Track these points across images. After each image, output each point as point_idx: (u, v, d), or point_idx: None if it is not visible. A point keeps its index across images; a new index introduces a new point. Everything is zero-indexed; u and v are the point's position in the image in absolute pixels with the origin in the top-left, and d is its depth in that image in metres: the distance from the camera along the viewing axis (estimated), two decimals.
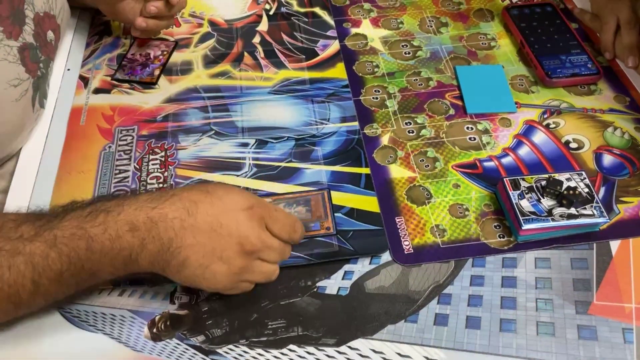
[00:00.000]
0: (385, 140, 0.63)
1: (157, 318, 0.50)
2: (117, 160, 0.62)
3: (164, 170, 0.61)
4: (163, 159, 0.62)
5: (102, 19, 0.77)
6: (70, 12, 0.72)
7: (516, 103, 0.66)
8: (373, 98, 0.68)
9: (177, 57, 0.73)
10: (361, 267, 0.53)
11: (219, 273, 0.45)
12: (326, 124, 0.65)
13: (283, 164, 0.62)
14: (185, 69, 0.72)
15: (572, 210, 0.53)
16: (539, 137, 0.63)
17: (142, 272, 0.46)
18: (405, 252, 0.54)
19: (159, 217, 0.44)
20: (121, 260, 0.44)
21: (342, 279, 0.53)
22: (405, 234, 0.55)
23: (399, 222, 0.56)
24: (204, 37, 0.76)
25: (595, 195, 0.54)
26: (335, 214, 0.56)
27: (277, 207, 0.52)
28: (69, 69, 0.72)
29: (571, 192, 0.54)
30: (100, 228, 0.43)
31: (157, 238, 0.44)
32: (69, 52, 0.74)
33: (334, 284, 0.52)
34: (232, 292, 0.48)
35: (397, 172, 0.60)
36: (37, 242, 0.43)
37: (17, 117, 0.59)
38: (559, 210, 0.53)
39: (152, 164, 0.61)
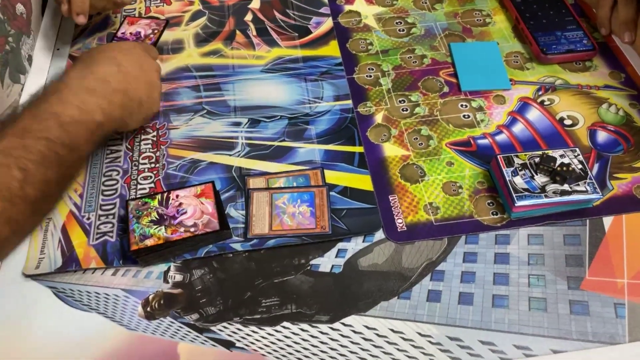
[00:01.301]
0: (379, 118, 0.63)
1: (150, 297, 0.50)
2: (109, 140, 0.61)
3: (156, 150, 0.60)
4: (155, 139, 0.61)
5: None
6: None
7: (511, 80, 0.66)
8: (367, 76, 0.67)
9: (168, 35, 0.72)
10: (354, 245, 0.54)
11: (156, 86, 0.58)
12: (319, 103, 0.65)
13: (276, 143, 0.61)
14: (177, 47, 0.71)
15: (566, 187, 0.53)
16: (534, 114, 0.62)
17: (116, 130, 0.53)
18: (399, 230, 0.54)
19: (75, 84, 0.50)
20: (96, 121, 0.48)
21: (336, 256, 0.53)
22: (399, 212, 0.55)
23: (392, 200, 0.56)
24: (195, 15, 0.75)
25: (589, 172, 0.53)
26: (331, 193, 0.56)
27: None
28: (58, 49, 0.71)
29: (564, 168, 0.53)
30: (60, 104, 0.47)
31: (117, 87, 0.52)
32: (58, 31, 0.73)
33: (327, 261, 0.52)
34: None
35: (391, 150, 0.60)
36: (8, 138, 0.44)
37: None
38: (552, 187, 0.53)
39: (144, 144, 0.61)
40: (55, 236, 0.54)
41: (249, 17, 0.74)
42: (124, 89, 0.52)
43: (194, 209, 0.52)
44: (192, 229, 0.51)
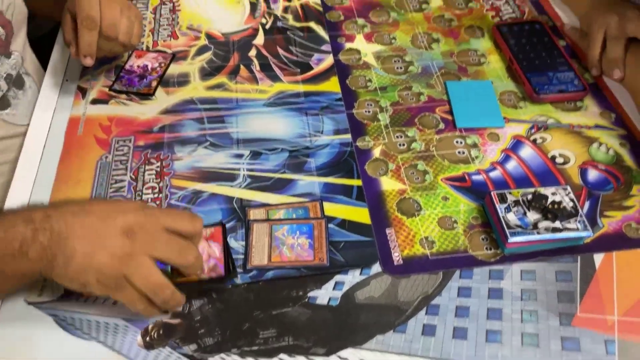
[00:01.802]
0: (377, 152, 0.65)
1: (150, 327, 0.51)
2: (114, 170, 0.63)
3: (159, 180, 0.62)
4: (159, 170, 0.63)
5: None
6: (26, 10, 0.72)
7: (504, 118, 0.68)
8: (365, 111, 0.69)
9: (175, 69, 0.74)
10: (352, 277, 0.55)
11: (104, 264, 0.45)
12: (319, 136, 0.67)
13: (277, 175, 0.63)
14: (182, 80, 0.73)
15: (557, 224, 0.54)
16: (526, 151, 0.64)
17: (31, 275, 0.47)
18: (395, 264, 0.55)
19: (54, 212, 0.47)
20: (11, 251, 0.44)
21: (333, 289, 0.54)
22: (395, 246, 0.56)
23: (389, 233, 0.57)
24: (201, 50, 0.77)
25: (580, 210, 0.55)
26: (329, 225, 0.58)
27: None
28: (67, 80, 0.73)
29: (556, 206, 0.55)
30: None
31: (49, 228, 0.45)
32: (68, 63, 0.75)
33: (324, 294, 0.54)
34: (117, 293, 0.47)
35: (388, 184, 0.62)
36: None
37: None
38: (544, 224, 0.54)
39: (148, 174, 0.62)
40: None
41: (253, 52, 0.77)
42: (57, 237, 0.46)
43: (201, 251, 0.53)
44: (197, 271, 0.52)
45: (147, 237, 0.47)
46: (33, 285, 0.53)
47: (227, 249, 0.55)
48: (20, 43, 0.72)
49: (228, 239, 0.57)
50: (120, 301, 0.48)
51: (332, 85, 0.73)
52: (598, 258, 0.55)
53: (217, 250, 0.54)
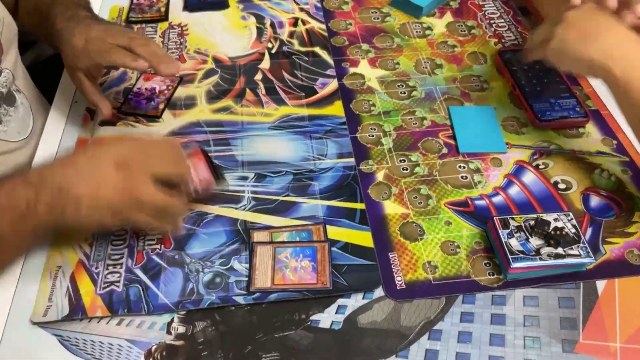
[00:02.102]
0: (380, 176, 0.65)
1: (153, 348, 0.51)
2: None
3: None
4: None
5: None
6: (16, 28, 0.73)
7: (507, 143, 0.69)
8: (369, 135, 0.70)
9: (182, 92, 0.76)
10: (354, 301, 0.55)
11: (111, 200, 0.49)
12: (323, 160, 0.68)
13: (281, 198, 0.63)
14: (189, 103, 0.74)
15: (560, 250, 0.54)
16: (529, 177, 0.65)
17: (44, 227, 0.50)
18: (398, 288, 0.55)
19: (47, 170, 0.51)
20: (19, 212, 0.48)
21: (336, 313, 0.54)
22: (398, 270, 0.57)
23: (392, 257, 0.58)
24: (208, 73, 0.79)
25: (582, 236, 0.55)
26: (332, 248, 0.58)
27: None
28: (76, 102, 0.75)
29: (558, 232, 0.55)
30: None
31: (48, 187, 0.49)
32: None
33: (327, 317, 0.54)
34: (131, 219, 0.51)
35: (391, 208, 0.62)
36: None
37: None
38: (546, 250, 0.55)
39: None
40: (63, 284, 0.55)
41: (258, 76, 0.79)
42: (56, 187, 0.49)
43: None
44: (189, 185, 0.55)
45: (140, 161, 0.51)
46: (38, 306, 0.54)
47: (210, 162, 0.58)
48: (11, 60, 0.73)
49: (232, 261, 0.57)
50: (137, 223, 0.53)
51: (337, 109, 0.74)
52: (600, 285, 0.55)
53: (201, 165, 0.57)
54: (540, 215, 0.57)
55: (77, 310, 0.53)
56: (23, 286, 0.56)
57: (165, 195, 0.51)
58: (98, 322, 0.53)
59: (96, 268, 0.57)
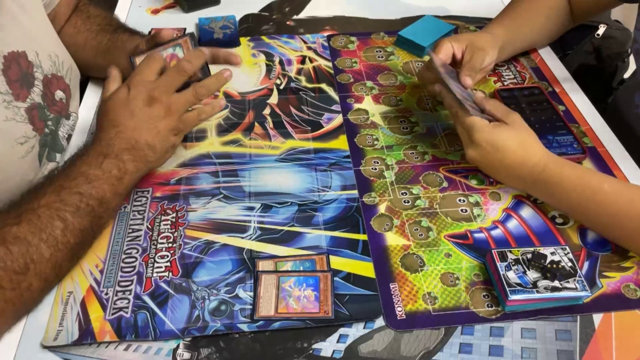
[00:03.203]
0: (382, 208, 0.68)
1: None
2: (131, 220, 0.66)
3: (174, 230, 0.65)
4: (174, 220, 0.66)
5: None
6: (79, 74, 0.79)
7: None
8: (372, 169, 0.73)
9: None
10: (355, 331, 0.56)
11: (168, 127, 0.64)
12: (327, 192, 0.70)
13: (286, 228, 0.66)
14: (200, 136, 0.77)
15: (556, 283, 0.56)
16: (527, 211, 0.67)
17: (136, 180, 0.64)
18: (398, 318, 0.57)
19: (111, 139, 0.62)
20: (116, 176, 0.61)
21: (337, 342, 0.55)
22: (399, 300, 0.58)
23: (393, 288, 0.59)
24: None
25: (578, 270, 0.57)
26: (335, 278, 0.60)
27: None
28: (92, 133, 0.78)
29: (555, 265, 0.57)
30: (84, 165, 0.59)
31: (124, 148, 0.62)
32: (94, 115, 0.80)
33: (329, 346, 0.55)
34: (188, 126, 0.67)
35: (393, 239, 0.64)
36: (48, 195, 0.56)
37: (23, 172, 0.64)
38: (543, 283, 0.56)
39: (164, 224, 0.66)
40: (74, 309, 0.57)
41: (267, 111, 0.82)
42: (127, 146, 0.62)
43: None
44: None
45: (158, 89, 0.64)
46: (49, 330, 0.55)
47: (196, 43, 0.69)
48: (76, 105, 0.79)
49: (237, 289, 0.59)
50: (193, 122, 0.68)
51: (341, 143, 0.77)
52: (597, 318, 0.56)
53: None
54: (538, 248, 0.59)
55: (86, 335, 0.55)
56: (35, 311, 0.57)
57: (189, 93, 0.65)
58: (106, 346, 0.55)
59: (106, 294, 0.59)
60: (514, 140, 0.64)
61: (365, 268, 0.61)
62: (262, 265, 0.62)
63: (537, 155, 0.64)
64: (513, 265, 0.58)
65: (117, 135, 0.62)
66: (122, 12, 1.02)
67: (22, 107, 0.64)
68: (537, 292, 0.55)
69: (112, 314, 0.57)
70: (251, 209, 0.68)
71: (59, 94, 0.72)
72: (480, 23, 0.99)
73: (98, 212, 0.59)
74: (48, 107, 0.69)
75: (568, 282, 0.56)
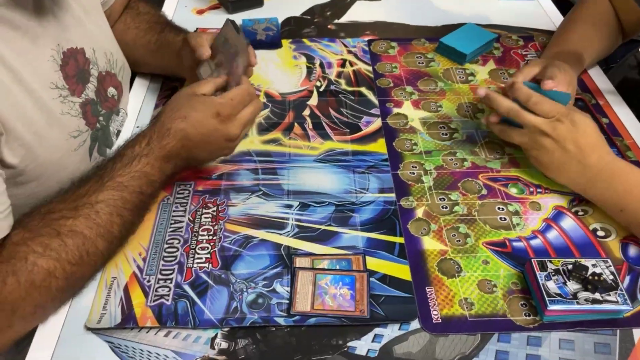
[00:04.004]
0: (419, 213, 0.68)
1: None
2: (174, 211, 0.68)
3: (214, 224, 0.66)
4: (215, 214, 0.68)
5: (171, 84, 0.87)
6: (130, 71, 0.82)
7: (546, 188, 0.70)
8: (410, 173, 0.73)
9: None
10: (390, 331, 0.56)
11: (227, 151, 0.68)
12: (365, 194, 0.70)
13: (323, 227, 0.66)
14: None
15: (597, 296, 0.55)
16: (568, 223, 0.66)
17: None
18: (434, 322, 0.57)
19: (175, 149, 0.64)
20: (168, 176, 0.64)
21: (372, 341, 0.56)
22: (435, 304, 0.58)
23: (429, 291, 0.59)
24: None
25: (620, 283, 0.56)
26: (370, 279, 0.60)
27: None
28: (137, 127, 0.80)
29: (596, 277, 0.56)
30: (148, 166, 0.61)
31: (182, 157, 0.65)
32: (139, 112, 0.83)
33: (364, 345, 0.55)
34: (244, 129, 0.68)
35: (430, 244, 0.64)
36: (108, 190, 0.58)
37: (75, 165, 0.66)
38: (583, 295, 0.55)
39: (205, 217, 0.67)
40: (117, 294, 0.59)
41: (307, 112, 0.83)
42: (187, 158, 0.65)
43: None
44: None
45: (229, 109, 0.65)
46: (93, 313, 0.57)
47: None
48: (125, 101, 0.81)
49: (274, 283, 0.60)
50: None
51: (379, 146, 0.77)
52: (637, 333, 0.55)
53: None
54: (579, 260, 0.58)
55: (128, 320, 0.57)
56: (80, 294, 0.59)
57: (240, 123, 0.66)
58: (147, 332, 0.56)
59: (148, 281, 0.60)
60: (592, 127, 0.65)
61: (401, 270, 0.62)
62: (299, 262, 0.63)
63: (607, 147, 0.65)
64: (553, 276, 0.57)
65: (183, 147, 0.63)
66: (168, 11, 1.05)
67: (77, 102, 0.66)
68: (577, 303, 0.55)
69: (154, 301, 0.58)
70: (289, 206, 0.69)
71: (111, 91, 0.75)
72: (523, 33, 0.99)
73: (148, 206, 0.63)
74: (100, 103, 0.72)
75: (609, 295, 0.55)
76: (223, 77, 0.69)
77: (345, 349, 0.55)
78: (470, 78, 0.89)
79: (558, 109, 0.66)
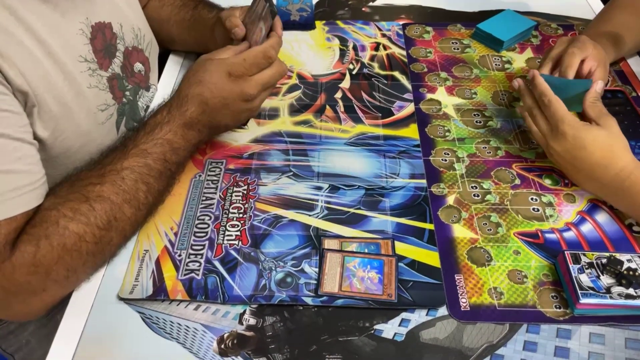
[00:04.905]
0: (450, 200, 0.67)
1: (225, 335, 0.55)
2: (205, 188, 0.68)
3: (245, 202, 0.67)
4: (245, 192, 0.68)
5: None
6: (158, 48, 0.82)
7: None
8: (442, 159, 0.72)
9: (266, 103, 0.80)
10: (418, 317, 0.56)
11: (247, 114, 0.67)
12: (395, 179, 0.70)
13: (352, 210, 0.66)
14: (273, 114, 0.79)
15: (631, 291, 0.54)
16: (603, 216, 0.65)
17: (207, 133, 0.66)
18: (462, 309, 0.57)
19: (197, 116, 0.63)
20: (194, 144, 0.64)
21: (399, 325, 0.56)
22: (463, 292, 0.58)
23: (458, 279, 0.59)
24: (292, 88, 0.84)
25: None
26: (399, 264, 0.60)
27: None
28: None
29: (631, 272, 0.55)
30: (170, 134, 0.62)
31: (204, 124, 0.64)
32: (173, 89, 0.83)
33: (390, 328, 0.56)
34: (266, 93, 0.67)
35: (460, 231, 0.64)
36: (132, 157, 0.59)
37: (102, 138, 0.67)
38: (617, 289, 0.54)
39: (235, 195, 0.68)
40: (149, 267, 0.60)
41: (338, 94, 0.83)
42: (210, 125, 0.65)
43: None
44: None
45: (240, 69, 0.63)
46: (125, 283, 0.59)
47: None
48: (155, 77, 0.82)
49: (303, 264, 0.61)
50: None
51: (411, 131, 0.76)
52: None
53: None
54: (614, 254, 0.57)
55: (159, 292, 0.58)
56: (113, 265, 0.61)
57: (255, 82, 0.64)
58: (177, 304, 0.57)
59: (179, 255, 0.61)
60: (602, 142, 0.62)
61: (430, 257, 0.61)
62: (328, 243, 0.63)
63: (624, 160, 0.61)
64: (586, 269, 0.56)
65: (203, 113, 0.63)
66: None
67: (105, 76, 0.67)
68: (610, 297, 0.54)
69: (184, 275, 0.59)
70: (319, 188, 0.69)
71: (138, 66, 0.76)
72: (562, 21, 0.96)
73: (176, 175, 0.64)
74: (127, 77, 0.72)
75: None
76: (245, 43, 0.68)
77: (372, 332, 0.55)
78: (506, 66, 0.87)
79: (556, 122, 0.63)
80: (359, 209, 0.67)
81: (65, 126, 0.61)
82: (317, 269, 0.60)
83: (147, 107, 0.79)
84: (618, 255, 0.57)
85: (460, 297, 0.58)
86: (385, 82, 0.85)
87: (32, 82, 0.55)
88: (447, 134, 0.76)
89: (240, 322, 0.56)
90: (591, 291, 0.54)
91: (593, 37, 0.76)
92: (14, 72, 0.53)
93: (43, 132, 0.58)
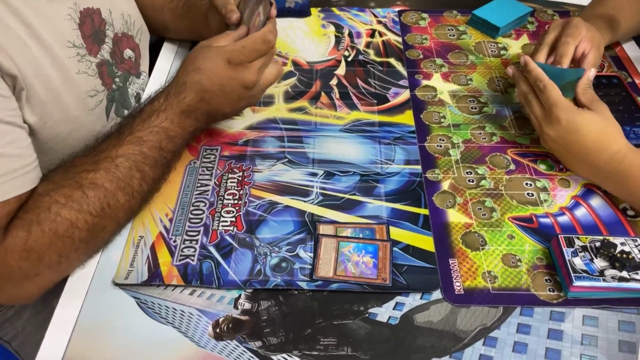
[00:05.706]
0: (445, 185, 0.67)
1: (221, 319, 0.55)
2: (200, 175, 0.68)
3: (240, 188, 0.67)
4: (240, 179, 0.68)
5: None
6: (149, 35, 0.82)
7: None
8: (437, 145, 0.72)
9: None
10: (412, 300, 0.57)
11: (245, 102, 0.66)
12: (390, 164, 0.70)
13: (347, 196, 0.66)
14: (268, 101, 0.79)
15: (624, 274, 0.54)
16: (597, 201, 0.65)
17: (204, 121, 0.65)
18: (456, 292, 0.57)
19: (195, 103, 0.63)
20: (190, 132, 0.63)
21: (393, 308, 0.56)
22: (458, 276, 0.58)
23: (452, 263, 0.59)
24: (287, 75, 0.83)
25: None
26: (394, 248, 0.60)
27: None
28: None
29: (624, 255, 0.55)
30: (167, 121, 0.61)
31: (202, 111, 0.63)
32: (167, 77, 0.83)
33: (385, 312, 0.56)
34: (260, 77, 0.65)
35: (455, 216, 0.64)
36: (127, 145, 0.58)
37: (92, 124, 0.67)
38: (611, 272, 0.55)
39: (230, 182, 0.68)
40: (144, 253, 0.60)
41: (334, 81, 0.82)
42: (208, 112, 0.64)
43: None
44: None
45: (240, 56, 0.62)
46: (121, 269, 0.59)
47: None
48: (146, 64, 0.82)
49: (298, 249, 0.61)
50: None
51: (407, 118, 0.76)
52: None
53: None
54: (607, 237, 0.57)
55: (155, 277, 0.58)
56: (108, 251, 0.61)
57: (255, 69, 0.64)
58: (173, 290, 0.58)
59: (174, 241, 0.61)
60: (596, 125, 0.62)
61: (424, 241, 0.61)
62: (323, 229, 0.63)
63: (617, 144, 0.61)
64: (580, 252, 0.56)
65: (201, 100, 0.62)
66: None
67: (94, 62, 0.67)
68: (604, 280, 0.54)
69: (179, 260, 0.59)
70: (314, 174, 0.69)
71: (128, 53, 0.75)
72: (559, 7, 0.95)
73: (171, 163, 0.63)
74: (116, 64, 0.72)
75: (637, 273, 0.54)
76: (243, 28, 0.67)
77: (366, 315, 0.56)
78: (502, 52, 0.87)
79: (550, 106, 0.63)
80: (354, 194, 0.67)
81: (54, 111, 0.61)
82: (312, 254, 0.60)
83: (138, 94, 0.78)
84: (612, 239, 0.57)
85: (455, 280, 0.58)
86: (381, 68, 0.84)
87: (21, 65, 0.55)
88: (442, 120, 0.76)
89: (236, 307, 0.56)
90: (584, 274, 0.55)
91: (588, 20, 0.76)
92: (2, 56, 0.53)
93: (31, 117, 0.58)
